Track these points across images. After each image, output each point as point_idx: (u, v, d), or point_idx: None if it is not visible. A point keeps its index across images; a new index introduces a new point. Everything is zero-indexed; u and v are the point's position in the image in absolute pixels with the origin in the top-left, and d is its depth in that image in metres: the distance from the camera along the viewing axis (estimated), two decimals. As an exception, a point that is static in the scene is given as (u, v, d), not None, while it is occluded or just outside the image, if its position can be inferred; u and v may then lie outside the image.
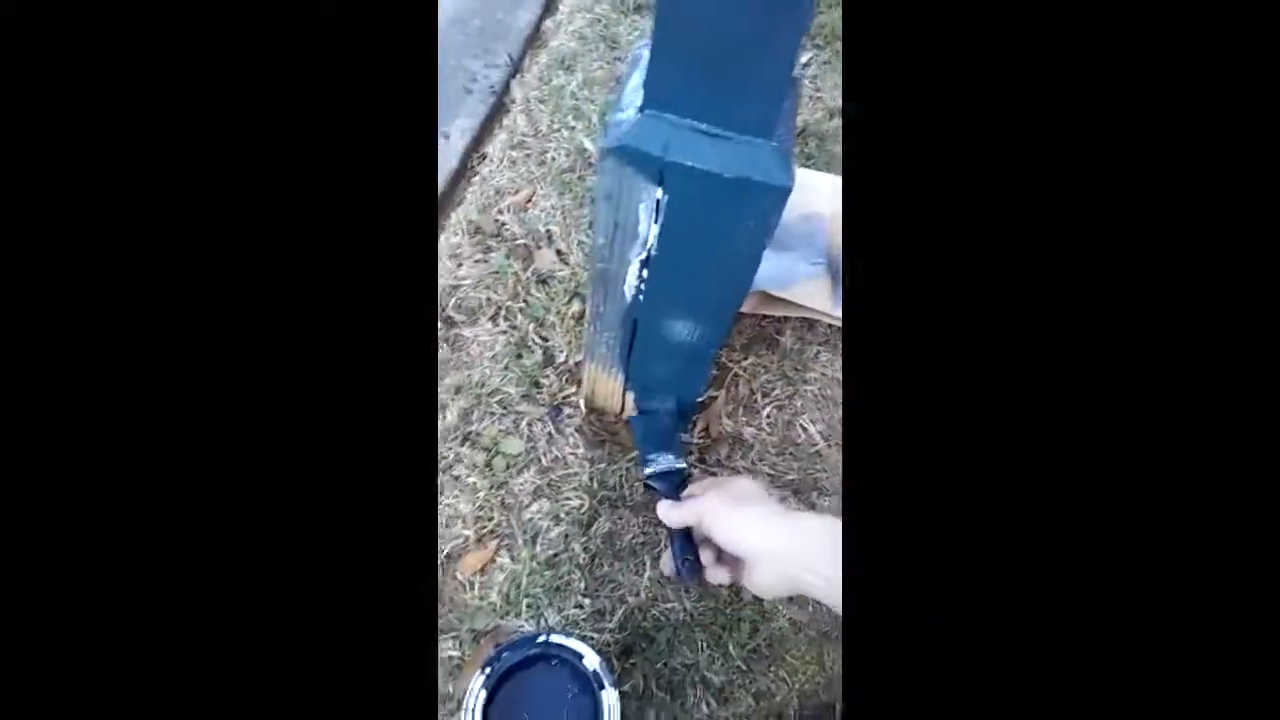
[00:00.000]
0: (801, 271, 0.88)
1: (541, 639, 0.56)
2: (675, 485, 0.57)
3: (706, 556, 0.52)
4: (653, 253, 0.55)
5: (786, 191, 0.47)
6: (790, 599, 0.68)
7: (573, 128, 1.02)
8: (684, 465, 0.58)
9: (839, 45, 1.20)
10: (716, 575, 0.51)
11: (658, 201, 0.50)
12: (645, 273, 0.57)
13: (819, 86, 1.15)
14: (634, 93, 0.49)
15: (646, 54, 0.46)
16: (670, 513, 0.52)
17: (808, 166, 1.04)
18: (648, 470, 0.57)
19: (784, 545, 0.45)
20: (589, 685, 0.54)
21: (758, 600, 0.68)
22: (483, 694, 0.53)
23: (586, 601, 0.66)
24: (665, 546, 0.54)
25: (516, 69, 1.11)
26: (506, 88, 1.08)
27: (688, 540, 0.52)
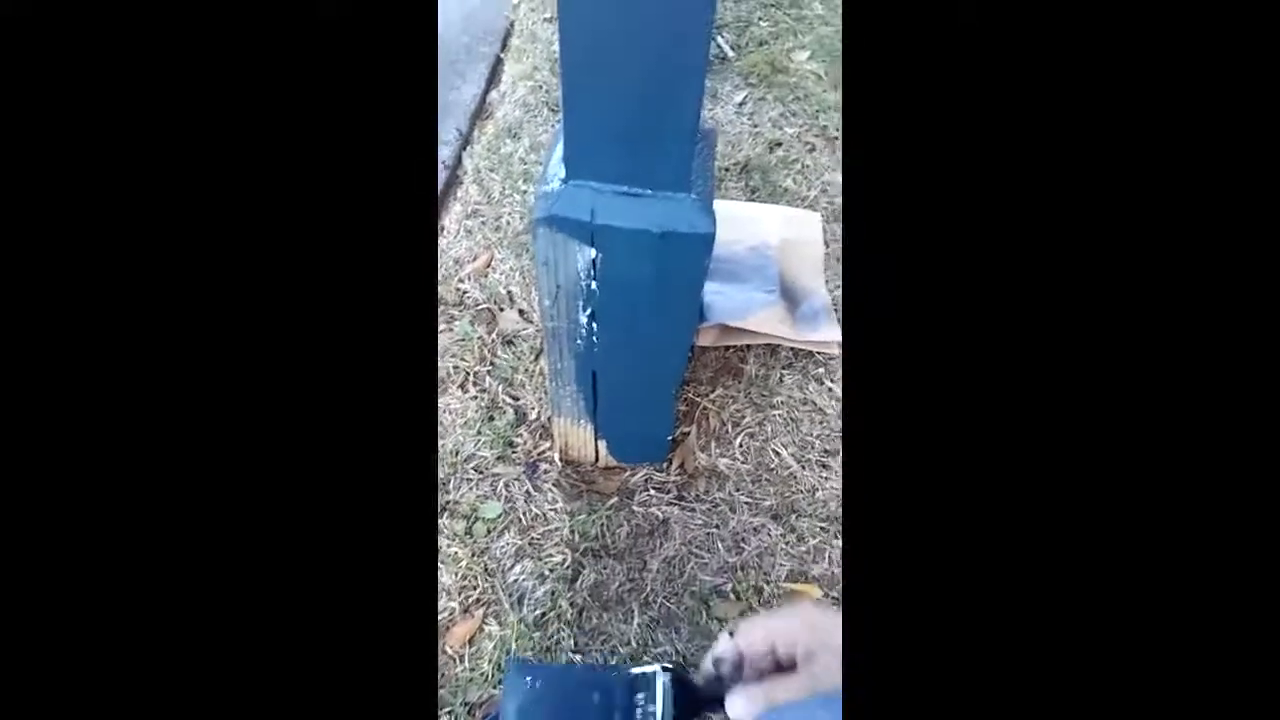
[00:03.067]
0: (757, 300, 0.91)
1: (532, 703, 0.55)
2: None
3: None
4: (597, 307, 0.57)
5: (710, 238, 0.50)
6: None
7: (524, 191, 1.06)
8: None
9: (772, 81, 1.27)
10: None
11: (593, 260, 0.53)
12: (594, 325, 0.59)
13: (756, 122, 1.21)
14: (557, 164, 0.52)
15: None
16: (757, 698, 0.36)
17: (753, 199, 1.08)
18: None
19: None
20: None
21: (750, 634, 0.68)
22: (477, 769, 0.52)
23: (578, 658, 0.65)
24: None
25: (466, 141, 1.16)
26: (458, 160, 1.13)
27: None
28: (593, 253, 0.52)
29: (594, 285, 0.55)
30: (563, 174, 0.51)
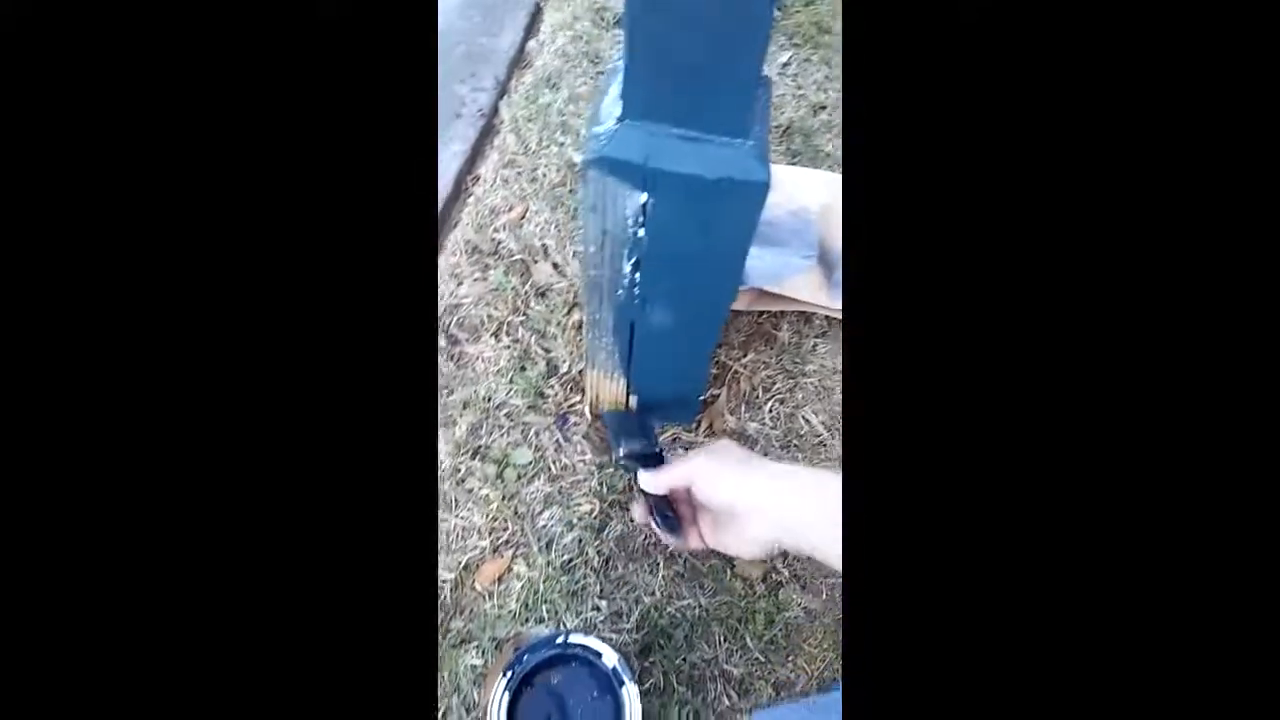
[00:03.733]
0: (794, 266, 0.90)
1: (560, 640, 0.57)
2: (652, 464, 0.56)
3: (686, 515, 0.52)
4: (643, 257, 0.56)
5: (766, 187, 0.49)
6: (803, 587, 0.69)
7: (561, 143, 1.05)
8: (659, 449, 0.58)
9: (818, 42, 1.22)
10: (693, 539, 0.51)
11: (643, 206, 0.52)
12: (637, 276, 0.59)
13: (800, 84, 1.17)
14: (612, 104, 0.51)
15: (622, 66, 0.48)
16: (654, 479, 0.51)
17: (794, 163, 1.06)
18: (621, 451, 0.57)
19: (775, 499, 0.45)
20: (609, 683, 0.55)
21: (772, 593, 0.69)
22: (505, 696, 0.54)
23: (603, 604, 0.67)
24: (636, 499, 0.54)
25: (503, 91, 1.14)
26: (495, 109, 1.11)
27: (665, 503, 0.53)
28: (643, 198, 0.51)
29: (641, 233, 0.54)
30: (618, 113, 0.49)
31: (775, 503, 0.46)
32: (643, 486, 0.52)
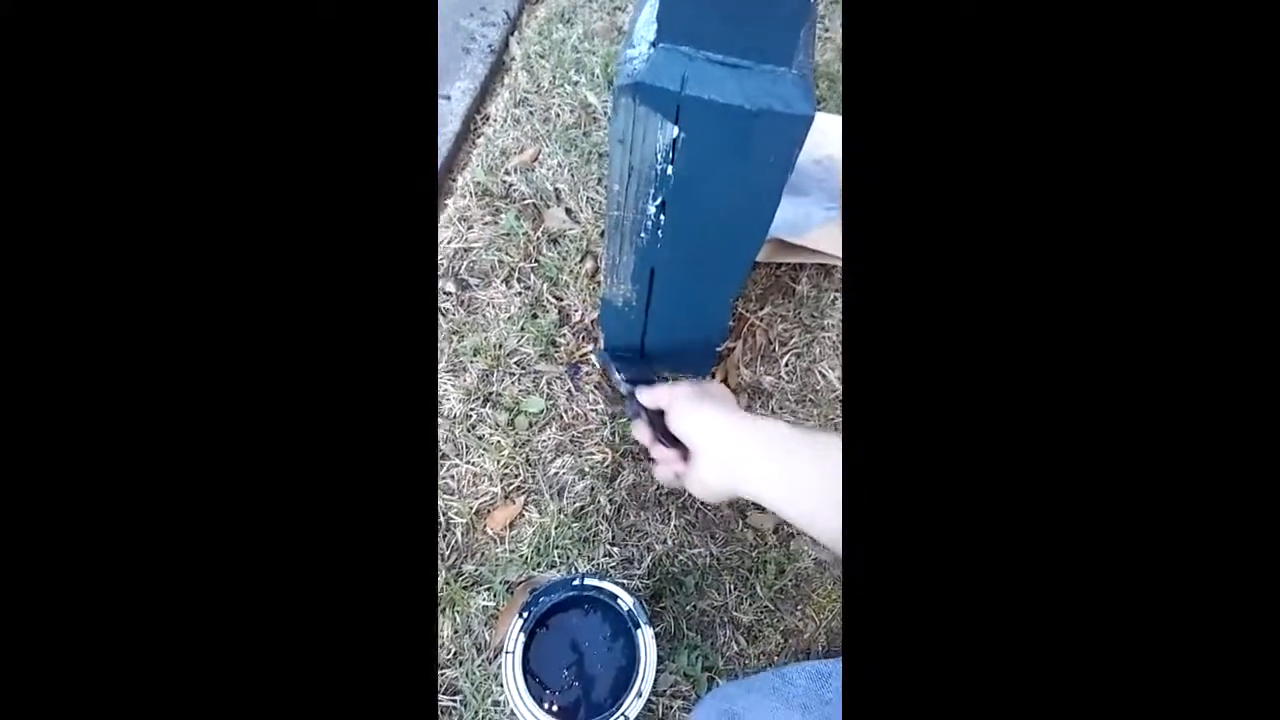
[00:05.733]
0: (817, 217, 0.87)
1: (577, 582, 0.57)
2: (636, 369, 0.59)
3: (659, 451, 0.53)
4: (670, 196, 0.54)
5: (809, 120, 0.46)
6: (814, 539, 0.69)
7: (575, 82, 1.00)
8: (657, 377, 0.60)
9: (846, -16, 1.16)
10: (663, 472, 0.53)
11: (674, 140, 0.49)
12: (662, 218, 0.56)
13: (828, 26, 1.11)
14: (646, 26, 0.47)
15: (658, -18, 0.44)
16: (647, 394, 0.54)
17: (820, 110, 1.01)
18: (623, 378, 0.59)
19: (734, 444, 0.45)
20: (624, 625, 0.56)
21: (783, 544, 0.69)
22: (521, 637, 0.54)
23: (615, 550, 0.67)
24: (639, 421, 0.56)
25: (514, 26, 1.08)
26: (505, 45, 1.05)
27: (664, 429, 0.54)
28: (675, 130, 0.48)
29: (670, 170, 0.52)
30: (652, 36, 0.46)
31: (731, 451, 0.45)
32: (639, 399, 0.54)
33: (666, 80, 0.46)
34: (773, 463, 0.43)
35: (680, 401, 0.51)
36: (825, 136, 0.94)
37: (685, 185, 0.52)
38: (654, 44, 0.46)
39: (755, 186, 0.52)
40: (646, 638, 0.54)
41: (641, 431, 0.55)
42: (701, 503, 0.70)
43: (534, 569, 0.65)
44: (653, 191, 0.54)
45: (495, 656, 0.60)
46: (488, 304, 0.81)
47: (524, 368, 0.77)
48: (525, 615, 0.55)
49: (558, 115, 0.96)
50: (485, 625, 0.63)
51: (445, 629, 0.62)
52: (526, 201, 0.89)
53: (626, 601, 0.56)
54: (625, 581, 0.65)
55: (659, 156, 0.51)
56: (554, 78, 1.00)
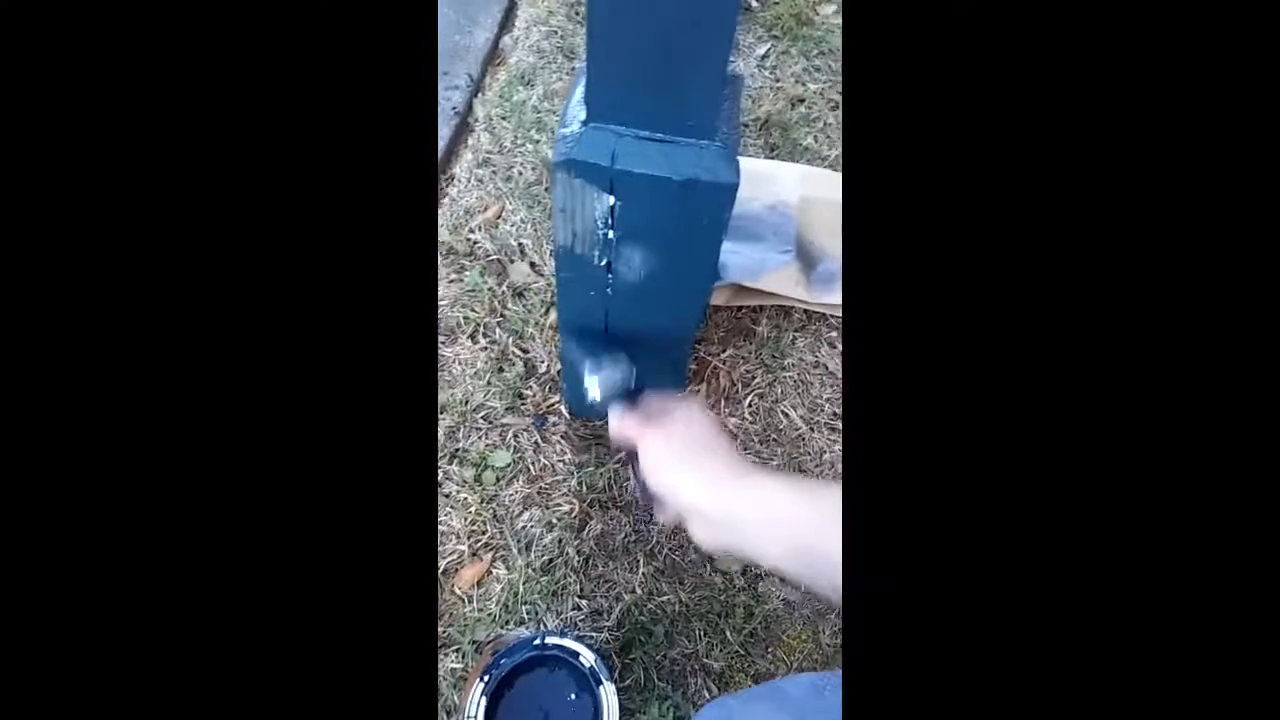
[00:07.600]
0: (772, 260, 0.90)
1: (538, 641, 0.57)
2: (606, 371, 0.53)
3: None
4: (613, 258, 0.56)
5: (733, 188, 0.49)
6: (782, 579, 0.70)
7: (536, 141, 1.04)
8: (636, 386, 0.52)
9: (796, 34, 1.22)
10: (664, 515, 0.45)
11: (611, 208, 0.52)
12: (610, 277, 0.58)
13: (779, 76, 1.17)
14: (578, 107, 0.50)
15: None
16: (616, 422, 0.47)
17: (772, 157, 1.06)
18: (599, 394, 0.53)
19: (726, 509, 0.40)
20: (588, 683, 0.56)
21: (751, 586, 0.69)
22: (483, 701, 0.54)
23: (584, 603, 0.67)
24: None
25: (477, 88, 1.13)
26: (469, 107, 1.09)
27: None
28: (611, 200, 0.51)
29: (611, 234, 0.54)
30: (583, 116, 0.49)
31: (722, 515, 0.40)
32: (610, 428, 0.47)
33: (598, 156, 0.49)
34: (772, 526, 0.39)
35: (649, 454, 0.43)
36: (778, 184, 0.98)
37: (627, 248, 0.55)
38: (584, 123, 0.49)
39: (691, 246, 0.54)
40: (609, 694, 0.54)
41: (635, 482, 0.48)
42: (669, 550, 0.71)
43: (502, 627, 0.65)
44: (597, 253, 0.56)
45: (464, 720, 0.60)
46: (454, 360, 0.83)
47: (490, 421, 0.78)
48: (486, 679, 0.55)
49: (520, 173, 1.00)
50: (454, 688, 0.63)
51: (414, 694, 0.61)
52: (491, 257, 0.91)
53: (588, 659, 0.56)
54: (594, 635, 0.65)
55: (599, 222, 0.53)
56: (515, 137, 1.05)
